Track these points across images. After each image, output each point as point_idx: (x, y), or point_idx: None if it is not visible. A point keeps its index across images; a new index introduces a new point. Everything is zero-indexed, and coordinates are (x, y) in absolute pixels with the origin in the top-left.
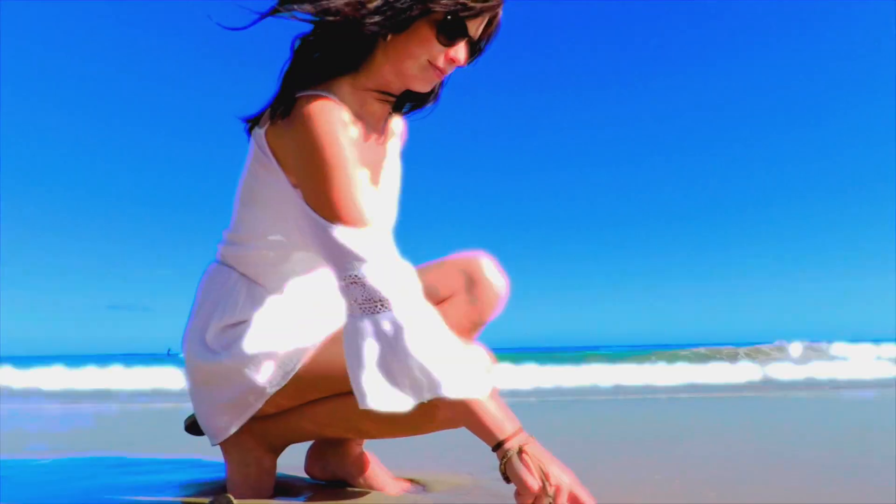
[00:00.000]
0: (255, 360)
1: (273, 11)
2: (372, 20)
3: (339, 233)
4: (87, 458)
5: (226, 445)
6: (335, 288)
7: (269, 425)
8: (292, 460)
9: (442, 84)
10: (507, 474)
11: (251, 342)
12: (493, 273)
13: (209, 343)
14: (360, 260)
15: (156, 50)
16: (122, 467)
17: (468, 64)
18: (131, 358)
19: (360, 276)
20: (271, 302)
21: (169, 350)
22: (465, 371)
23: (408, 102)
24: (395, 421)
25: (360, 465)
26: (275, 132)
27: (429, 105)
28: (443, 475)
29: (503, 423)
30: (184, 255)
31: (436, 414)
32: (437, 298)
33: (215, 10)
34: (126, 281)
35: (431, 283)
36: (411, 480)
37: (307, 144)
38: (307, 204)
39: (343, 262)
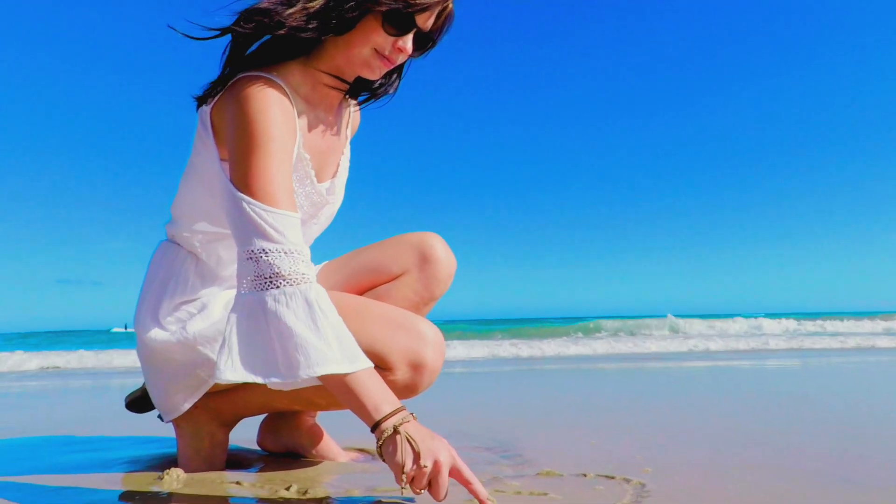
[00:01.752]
0: (208, 337)
1: (224, 32)
2: (315, 25)
3: (248, 206)
4: (33, 439)
5: (178, 420)
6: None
7: (221, 400)
8: (245, 434)
9: (400, 75)
10: (382, 454)
11: (204, 320)
12: (444, 252)
13: (162, 321)
14: (260, 236)
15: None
16: (69, 445)
17: (422, 55)
18: (84, 335)
19: (256, 252)
20: (221, 279)
21: (126, 325)
22: (336, 353)
23: (364, 91)
24: None
25: (313, 436)
26: (218, 109)
27: (387, 95)
28: None
29: (380, 403)
30: (136, 228)
31: None
32: (390, 275)
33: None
34: (75, 254)
35: (385, 260)
36: (360, 450)
37: (239, 120)
38: (228, 176)
39: (244, 236)
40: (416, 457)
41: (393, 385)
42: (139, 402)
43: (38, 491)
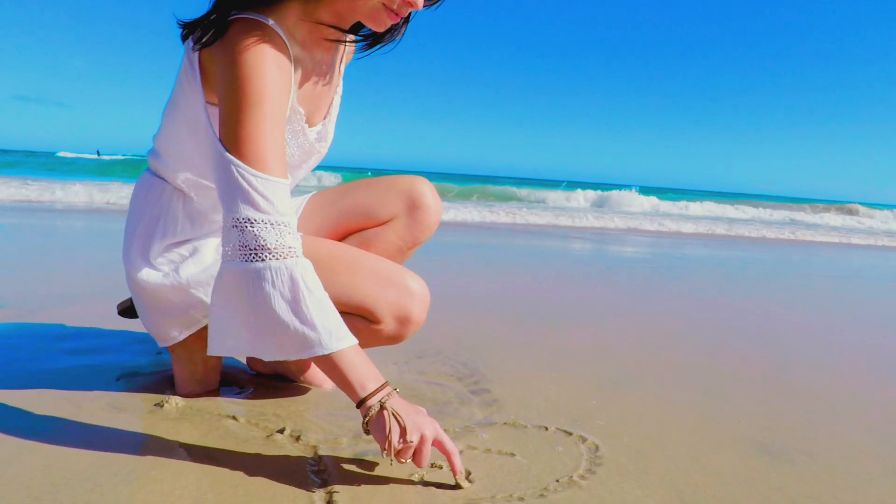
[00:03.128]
0: (201, 281)
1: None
2: None
3: (237, 170)
4: (26, 326)
5: (173, 347)
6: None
7: None
8: None
9: (408, 20)
10: (370, 430)
11: (196, 264)
12: (432, 200)
13: (154, 262)
14: (247, 203)
15: None
16: (63, 340)
17: (431, 7)
18: (35, 157)
19: (242, 221)
20: (210, 222)
21: (98, 151)
22: (321, 336)
23: (367, 38)
24: None
25: (300, 364)
26: (208, 50)
27: (393, 41)
28: None
29: (366, 381)
30: (100, 48)
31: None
32: (378, 220)
33: None
34: (36, 70)
35: (375, 205)
36: None
37: (232, 72)
38: (218, 131)
39: (230, 201)
40: (403, 432)
41: (379, 334)
42: (131, 310)
43: (38, 422)
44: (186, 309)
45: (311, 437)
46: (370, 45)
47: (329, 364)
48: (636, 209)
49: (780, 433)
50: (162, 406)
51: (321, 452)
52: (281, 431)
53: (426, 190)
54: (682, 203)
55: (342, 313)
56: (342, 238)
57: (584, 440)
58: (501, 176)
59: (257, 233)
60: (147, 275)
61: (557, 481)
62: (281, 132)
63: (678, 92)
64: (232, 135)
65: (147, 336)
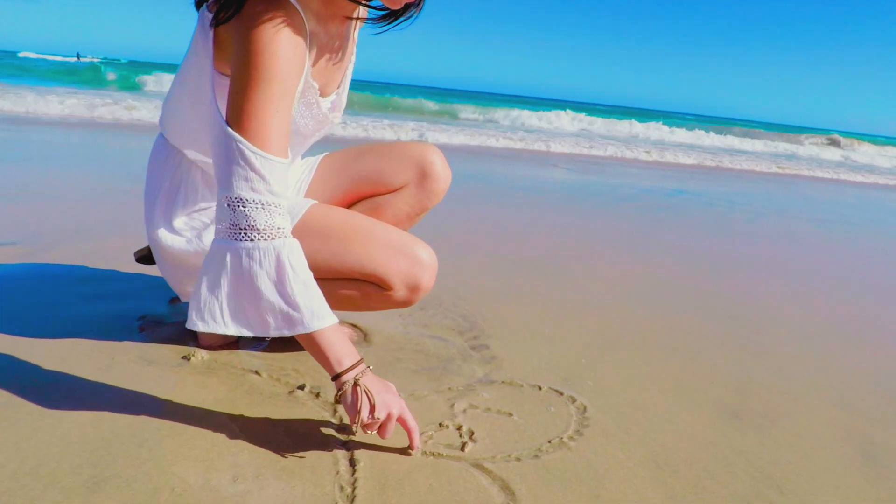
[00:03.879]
0: None
1: None
2: None
3: (239, 145)
4: (42, 268)
5: None
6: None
7: None
8: None
9: None
10: (341, 402)
11: None
12: (442, 169)
13: (176, 227)
14: (242, 182)
15: None
16: (82, 284)
17: None
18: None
19: (235, 200)
20: None
21: (78, 54)
22: (304, 316)
23: (384, 17)
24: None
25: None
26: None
27: (410, 19)
28: (380, 325)
29: (342, 358)
30: None
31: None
32: (389, 188)
33: None
34: None
35: (386, 172)
36: (353, 326)
37: (246, 48)
38: (224, 113)
39: (226, 178)
40: (372, 408)
41: (390, 300)
42: (148, 258)
43: (78, 374)
44: None
45: (329, 394)
46: (387, 20)
47: (310, 341)
48: (616, 133)
49: (750, 397)
50: (189, 359)
51: (339, 411)
52: (301, 388)
53: (436, 159)
54: (658, 126)
55: (356, 280)
56: (353, 203)
57: (573, 401)
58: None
59: (248, 213)
60: (171, 240)
61: (549, 442)
62: (287, 111)
63: (660, 13)
64: (238, 110)
65: (164, 282)
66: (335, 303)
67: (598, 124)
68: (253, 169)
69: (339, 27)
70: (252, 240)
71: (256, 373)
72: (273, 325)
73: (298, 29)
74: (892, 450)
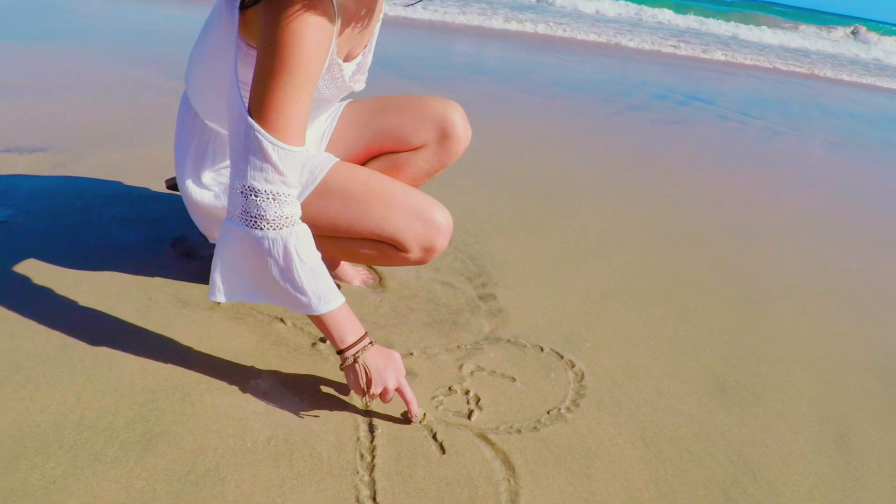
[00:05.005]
0: None
1: None
2: None
3: (258, 134)
4: (71, 183)
5: None
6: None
7: None
8: None
9: None
10: (344, 373)
11: None
12: (463, 129)
13: (206, 183)
14: (256, 171)
15: None
16: (111, 205)
17: None
18: None
19: (247, 190)
20: None
21: None
22: (310, 300)
23: None
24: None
25: (332, 261)
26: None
27: None
28: (394, 271)
29: (346, 335)
30: None
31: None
32: (409, 146)
33: None
34: None
35: (407, 131)
36: (370, 268)
37: (273, 35)
38: (245, 100)
39: (241, 165)
40: (369, 383)
41: (406, 259)
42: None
43: (120, 316)
44: None
45: None
46: None
47: (317, 319)
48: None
49: (739, 367)
50: (219, 303)
51: None
52: (323, 340)
53: (457, 119)
54: (659, 12)
55: (374, 241)
56: (373, 157)
57: (572, 365)
58: None
59: (259, 203)
60: (200, 195)
61: (548, 413)
62: (309, 99)
63: None
64: (260, 100)
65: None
66: (354, 259)
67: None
68: (269, 160)
69: (366, 9)
70: (262, 229)
71: (281, 320)
72: (284, 304)
73: (327, 15)
74: (864, 435)
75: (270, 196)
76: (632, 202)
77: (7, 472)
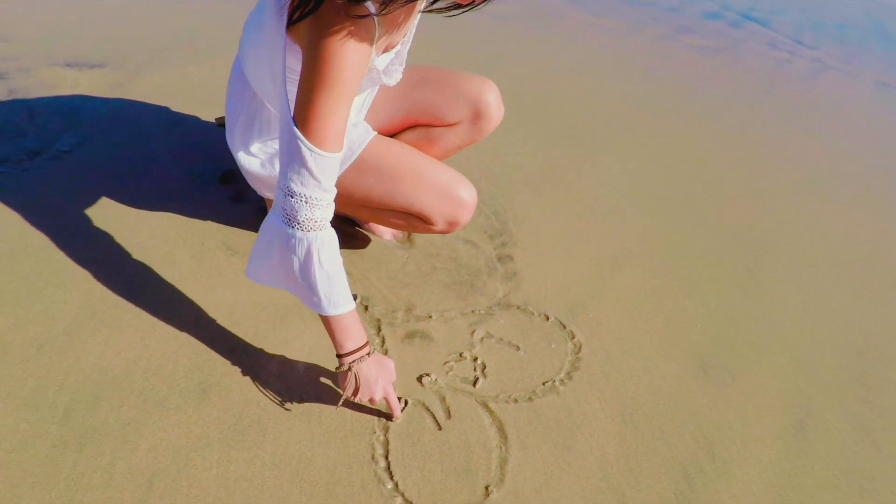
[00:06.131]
0: None
1: None
2: None
3: (300, 143)
4: (129, 108)
5: (268, 201)
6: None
7: None
8: None
9: None
10: (338, 375)
11: None
12: (497, 110)
13: (253, 152)
14: (296, 175)
15: None
16: (169, 134)
17: None
18: None
19: (286, 190)
20: None
21: None
22: (322, 302)
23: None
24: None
25: (365, 215)
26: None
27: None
28: None
29: (346, 341)
30: None
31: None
32: (444, 122)
33: None
34: None
35: (442, 108)
36: None
37: (316, 52)
38: (292, 107)
39: (286, 167)
40: (356, 392)
41: (431, 230)
42: None
43: (182, 264)
44: None
45: (376, 309)
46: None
47: (325, 320)
48: None
49: (723, 348)
50: None
51: (382, 329)
52: (354, 297)
53: (492, 100)
54: None
55: (403, 213)
56: (409, 127)
57: (572, 336)
58: None
59: (294, 204)
60: (248, 162)
61: (544, 384)
62: (348, 109)
63: None
64: (303, 111)
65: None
66: (385, 224)
67: None
68: (307, 167)
69: (407, 14)
70: (293, 227)
71: None
72: (300, 296)
73: (367, 31)
74: (822, 423)
75: (304, 199)
76: (657, 155)
77: (90, 412)
